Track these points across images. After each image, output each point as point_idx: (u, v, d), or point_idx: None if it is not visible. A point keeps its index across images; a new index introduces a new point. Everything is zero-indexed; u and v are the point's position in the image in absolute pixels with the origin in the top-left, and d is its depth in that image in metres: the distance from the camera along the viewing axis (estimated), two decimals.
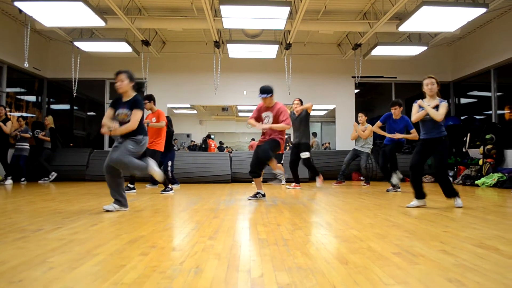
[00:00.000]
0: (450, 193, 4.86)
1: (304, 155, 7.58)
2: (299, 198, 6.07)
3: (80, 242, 2.77)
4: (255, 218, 4.02)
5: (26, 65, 9.07)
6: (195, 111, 19.85)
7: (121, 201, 4.54)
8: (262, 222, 3.73)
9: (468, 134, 10.33)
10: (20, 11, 7.78)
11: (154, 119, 7.01)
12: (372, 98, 14.91)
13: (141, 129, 4.51)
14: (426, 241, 2.85)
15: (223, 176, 9.73)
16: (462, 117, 12.10)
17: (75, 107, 13.13)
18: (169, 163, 7.80)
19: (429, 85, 4.85)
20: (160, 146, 7.05)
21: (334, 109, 12.87)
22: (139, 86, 4.62)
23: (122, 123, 4.43)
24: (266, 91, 5.65)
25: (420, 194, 4.87)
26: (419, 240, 2.89)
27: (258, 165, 5.69)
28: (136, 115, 4.42)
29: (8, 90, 10.36)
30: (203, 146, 16.93)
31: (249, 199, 5.73)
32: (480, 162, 9.27)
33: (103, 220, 3.85)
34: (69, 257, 2.34)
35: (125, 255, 2.40)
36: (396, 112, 7.13)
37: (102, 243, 2.75)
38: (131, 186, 7.02)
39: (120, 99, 4.52)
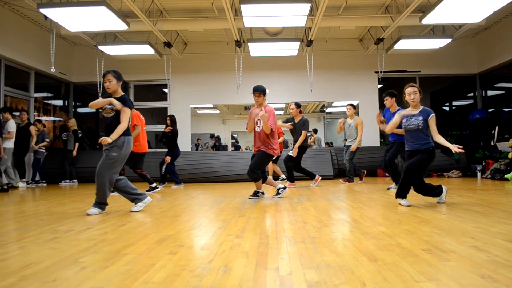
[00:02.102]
0: (402, 194, 4.61)
1: (290, 153, 7.91)
2: (325, 196, 6.04)
3: (109, 242, 2.83)
4: (281, 216, 4.02)
5: (52, 70, 9.28)
6: (217, 111, 19.94)
7: (139, 198, 4.58)
8: (288, 220, 3.73)
9: (496, 127, 10.08)
10: (46, 17, 7.95)
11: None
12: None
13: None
14: (456, 237, 2.79)
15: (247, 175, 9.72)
16: (490, 110, 11.79)
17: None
18: (167, 158, 8.08)
19: (411, 95, 4.55)
20: (138, 148, 6.94)
21: (358, 105, 12.73)
22: (125, 86, 4.66)
23: (105, 118, 4.53)
24: (258, 89, 5.80)
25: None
26: (449, 236, 2.83)
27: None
28: (125, 113, 4.45)
29: (36, 95, 10.65)
30: (216, 144, 16.75)
31: (273, 197, 5.78)
32: (510, 155, 9.02)
33: (131, 220, 3.92)
34: (100, 257, 2.40)
35: (154, 255, 2.44)
36: (387, 103, 6.73)
37: (131, 243, 2.80)
38: (153, 186, 7.10)
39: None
